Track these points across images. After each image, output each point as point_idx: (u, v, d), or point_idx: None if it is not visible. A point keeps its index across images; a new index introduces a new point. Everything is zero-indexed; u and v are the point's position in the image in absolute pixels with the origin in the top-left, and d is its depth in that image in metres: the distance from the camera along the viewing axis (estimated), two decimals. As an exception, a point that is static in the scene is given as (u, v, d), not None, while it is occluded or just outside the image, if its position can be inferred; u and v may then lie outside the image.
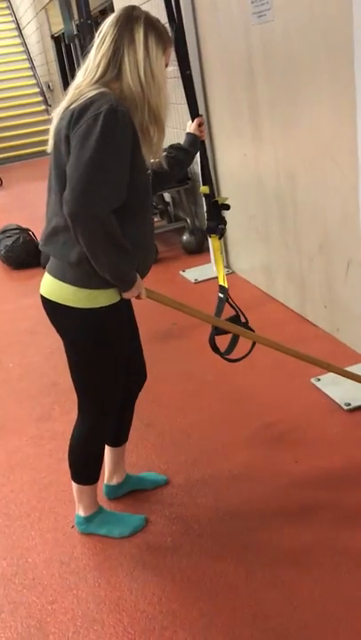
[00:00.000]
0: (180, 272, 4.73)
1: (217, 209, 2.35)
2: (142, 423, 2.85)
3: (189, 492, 2.35)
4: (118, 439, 2.27)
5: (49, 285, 1.83)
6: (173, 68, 4.68)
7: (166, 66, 1.84)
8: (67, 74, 11.07)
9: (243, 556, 2.01)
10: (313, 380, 2.92)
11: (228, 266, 4.62)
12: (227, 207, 2.37)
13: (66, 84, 9.17)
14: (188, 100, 2.25)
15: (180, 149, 2.19)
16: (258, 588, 1.88)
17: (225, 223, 2.41)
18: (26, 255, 5.41)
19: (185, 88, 2.22)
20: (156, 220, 5.46)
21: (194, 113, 2.21)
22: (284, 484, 2.32)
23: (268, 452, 2.52)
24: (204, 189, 2.38)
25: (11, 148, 11.86)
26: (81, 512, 2.17)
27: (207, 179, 2.33)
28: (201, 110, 4.20)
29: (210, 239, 2.50)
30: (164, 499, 2.34)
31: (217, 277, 2.57)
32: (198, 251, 5.03)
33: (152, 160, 1.86)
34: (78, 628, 1.84)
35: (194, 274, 4.62)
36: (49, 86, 12.50)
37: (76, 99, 1.69)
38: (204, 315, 2.16)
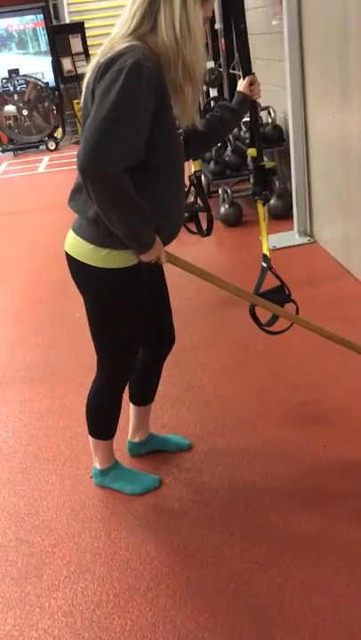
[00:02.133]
0: (260, 237, 4.59)
1: (263, 174, 2.23)
2: (183, 386, 2.85)
3: (209, 460, 2.33)
4: (142, 398, 2.28)
5: (70, 241, 1.84)
6: (276, 23, 4.49)
7: (206, 19, 1.74)
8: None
9: (244, 533, 1.97)
10: (366, 363, 2.76)
11: (310, 234, 4.42)
12: (273, 172, 2.25)
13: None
14: (240, 57, 2.11)
15: (227, 109, 2.08)
16: (250, 567, 1.85)
17: (271, 190, 2.29)
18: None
19: (237, 43, 2.08)
20: (248, 180, 5.30)
21: (246, 70, 2.08)
22: (307, 468, 2.23)
23: (300, 431, 2.43)
24: (251, 152, 2.26)
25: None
26: (97, 464, 2.22)
27: (255, 141, 2.20)
28: (296, 70, 4.02)
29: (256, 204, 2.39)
30: (183, 463, 2.33)
31: (266, 246, 2.46)
32: (285, 215, 4.84)
33: (190, 120, 1.79)
34: (70, 574, 1.91)
35: (273, 240, 4.44)
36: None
37: (107, 52, 1.64)
38: (231, 286, 2.07)
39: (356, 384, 2.65)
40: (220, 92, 6.11)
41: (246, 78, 2.11)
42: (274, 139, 4.78)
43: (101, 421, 2.12)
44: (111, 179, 1.56)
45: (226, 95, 6.12)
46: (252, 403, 2.66)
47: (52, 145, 10.01)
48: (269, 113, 5.02)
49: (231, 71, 6.37)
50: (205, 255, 4.44)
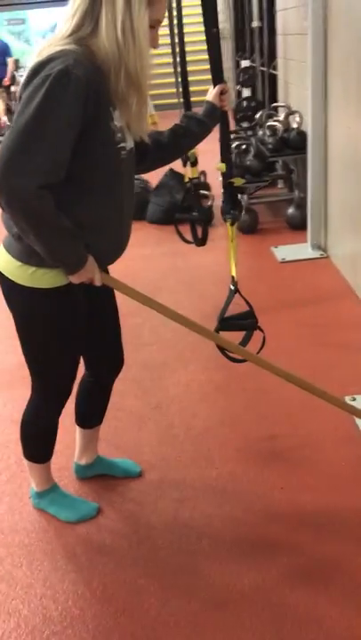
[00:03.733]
0: (272, 247, 4.38)
1: (231, 191, 2.05)
2: (151, 404, 2.70)
3: (156, 492, 2.17)
4: (87, 421, 2.15)
5: (1, 257, 1.70)
6: (305, 23, 4.25)
7: (157, 23, 1.57)
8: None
9: (170, 581, 1.81)
10: (347, 399, 2.55)
11: (324, 249, 4.18)
12: (241, 190, 2.06)
13: (238, 34, 8.78)
14: (210, 63, 1.93)
15: (193, 119, 1.91)
16: (166, 621, 1.68)
17: (240, 209, 2.10)
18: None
19: (208, 48, 1.90)
20: (268, 186, 5.07)
21: (217, 78, 1.90)
22: (256, 512, 2.05)
23: (260, 469, 2.24)
24: (220, 167, 2.07)
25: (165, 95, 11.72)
26: (34, 486, 2.10)
27: (225, 155, 2.01)
28: (319, 74, 3.78)
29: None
30: (128, 492, 2.18)
31: (233, 268, 2.27)
32: (302, 226, 4.61)
33: (137, 133, 1.64)
34: (-20, 604, 1.80)
35: (284, 252, 4.25)
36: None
37: (39, 55, 1.50)
38: (183, 318, 1.87)
39: (331, 420, 2.45)
40: (254, 92, 5.88)
41: (217, 87, 1.93)
42: (297, 145, 4.54)
43: (36, 444, 2.00)
44: (26, 196, 1.42)
45: (259, 96, 5.89)
46: (218, 431, 2.49)
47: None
48: (296, 118, 4.78)
49: (272, 71, 6.14)
50: (212, 262, 4.26)
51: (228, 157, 2.02)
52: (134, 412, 2.66)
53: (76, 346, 1.81)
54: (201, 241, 3.12)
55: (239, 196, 2.06)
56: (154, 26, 1.56)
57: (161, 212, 5.28)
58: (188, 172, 3.00)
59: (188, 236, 3.27)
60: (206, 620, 1.68)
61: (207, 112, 1.92)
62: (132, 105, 1.55)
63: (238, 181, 2.03)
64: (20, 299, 1.68)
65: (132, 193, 1.75)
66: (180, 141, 1.90)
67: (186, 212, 3.25)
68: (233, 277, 2.23)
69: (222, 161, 2.04)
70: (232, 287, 2.23)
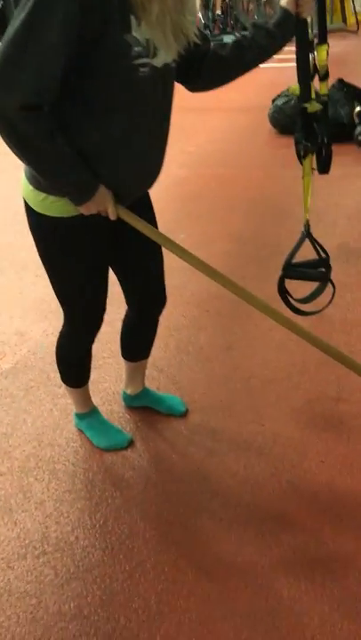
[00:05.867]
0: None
1: (305, 118, 1.70)
2: (224, 344, 2.57)
3: (191, 436, 2.09)
4: (130, 355, 2.10)
5: (22, 179, 1.64)
6: None
7: None
8: None
9: (165, 534, 1.76)
10: None
11: None
12: (317, 118, 1.71)
13: None
14: None
15: (261, 30, 1.59)
16: (146, 571, 1.66)
17: (316, 140, 1.75)
18: (290, 120, 4.93)
19: None
20: None
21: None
22: (283, 480, 1.89)
23: (308, 434, 2.05)
24: (293, 89, 1.72)
25: None
26: (74, 407, 2.14)
27: (302, 74, 1.65)
28: None
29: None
30: (164, 430, 2.13)
31: (306, 208, 1.94)
32: None
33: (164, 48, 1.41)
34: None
35: None
36: None
37: None
38: (205, 266, 1.65)
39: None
40: None
41: (292, -12, 1.58)
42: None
43: (69, 370, 2.00)
44: (8, 113, 1.31)
45: None
46: (282, 384, 2.30)
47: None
48: None
49: None
50: (352, 191, 3.83)
51: (305, 76, 1.68)
52: (205, 348, 2.55)
53: (98, 277, 1.72)
54: (321, 167, 2.73)
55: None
56: None
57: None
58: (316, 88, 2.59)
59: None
60: (193, 588, 1.61)
61: (279, 21, 1.59)
62: (152, 12, 1.33)
63: (313, 107, 1.69)
64: (37, 225, 1.62)
65: (165, 116, 1.55)
66: (244, 55, 1.61)
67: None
68: (306, 219, 1.93)
69: (298, 80, 1.70)
70: (303, 230, 1.94)
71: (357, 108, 4.54)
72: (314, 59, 1.77)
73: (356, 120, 4.49)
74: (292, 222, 3.61)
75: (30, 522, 1.85)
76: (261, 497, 1.85)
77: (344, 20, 9.94)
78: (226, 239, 3.48)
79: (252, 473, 1.93)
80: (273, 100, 5.19)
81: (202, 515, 1.81)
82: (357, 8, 9.80)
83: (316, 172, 1.92)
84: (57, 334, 1.94)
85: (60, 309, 1.83)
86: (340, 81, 4.86)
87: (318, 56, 1.79)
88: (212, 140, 5.26)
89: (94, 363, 2.07)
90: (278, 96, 5.18)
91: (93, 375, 2.10)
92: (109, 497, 1.90)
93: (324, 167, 1.98)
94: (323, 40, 1.80)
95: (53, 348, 1.93)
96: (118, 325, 2.05)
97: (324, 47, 1.80)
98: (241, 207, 3.93)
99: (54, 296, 1.78)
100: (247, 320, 2.68)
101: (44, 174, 1.43)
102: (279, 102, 5.06)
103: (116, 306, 1.95)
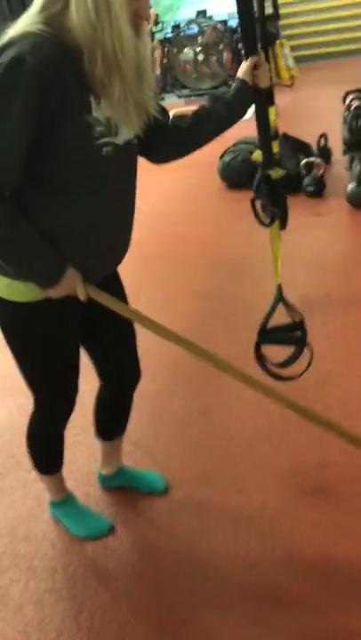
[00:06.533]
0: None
1: (270, 185, 1.70)
2: (199, 408, 2.49)
3: (176, 515, 1.98)
4: (107, 434, 1.99)
5: None
6: None
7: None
8: None
9: (158, 628, 1.64)
10: None
11: None
12: (280, 185, 1.71)
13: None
14: (241, 30, 1.58)
15: (219, 100, 1.59)
16: None
17: (284, 205, 1.75)
18: (239, 175, 5.02)
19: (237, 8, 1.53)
20: None
21: (249, 49, 1.55)
22: (278, 555, 1.79)
23: (297, 502, 1.97)
24: (256, 155, 1.73)
25: (309, 45, 10.82)
26: (48, 495, 2.01)
27: (264, 141, 1.66)
28: None
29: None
30: (146, 511, 2.02)
31: (278, 272, 1.93)
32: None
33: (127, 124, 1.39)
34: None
35: None
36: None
37: (5, 36, 1.30)
38: (175, 336, 1.59)
39: None
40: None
41: (248, 60, 1.59)
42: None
43: (42, 457, 1.88)
44: None
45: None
46: (261, 449, 2.22)
47: (224, 93, 9.58)
48: None
49: None
50: (316, 242, 3.88)
51: (267, 143, 1.67)
52: (179, 414, 2.47)
53: (69, 360, 1.64)
54: (281, 224, 2.75)
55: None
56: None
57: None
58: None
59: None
60: None
61: (237, 91, 1.60)
62: (113, 92, 1.31)
63: (276, 173, 1.69)
64: (1, 311, 1.53)
65: (131, 192, 1.52)
66: (204, 126, 1.61)
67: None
68: (278, 284, 1.91)
69: (260, 147, 1.70)
70: (276, 294, 1.91)
71: (303, 160, 4.66)
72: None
73: (303, 171, 4.59)
74: (251, 276, 3.64)
75: (10, 631, 1.69)
76: (256, 575, 1.74)
77: (278, 75, 10.39)
78: (189, 298, 3.44)
79: (243, 548, 1.83)
80: (221, 157, 5.29)
81: (197, 604, 1.69)
82: (290, 64, 10.26)
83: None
84: (22, 413, 1.83)
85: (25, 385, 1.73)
86: (284, 134, 4.99)
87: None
88: (166, 198, 5.29)
89: (65, 442, 1.96)
90: (225, 152, 5.28)
91: (65, 456, 1.98)
92: (94, 593, 1.77)
93: (283, 224, 1.99)
94: (270, 102, 1.82)
95: (20, 428, 1.82)
96: (87, 398, 1.94)
97: (273, 108, 1.82)
98: (200, 264, 3.92)
99: (17, 371, 1.68)
100: (218, 381, 2.59)
101: (7, 263, 1.37)
102: (227, 159, 5.14)
103: (82, 377, 1.85)
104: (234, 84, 1.63)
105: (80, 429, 2.37)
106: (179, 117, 1.63)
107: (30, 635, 1.67)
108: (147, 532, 1.95)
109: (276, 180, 1.72)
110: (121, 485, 2.10)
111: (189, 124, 1.60)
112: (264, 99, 1.64)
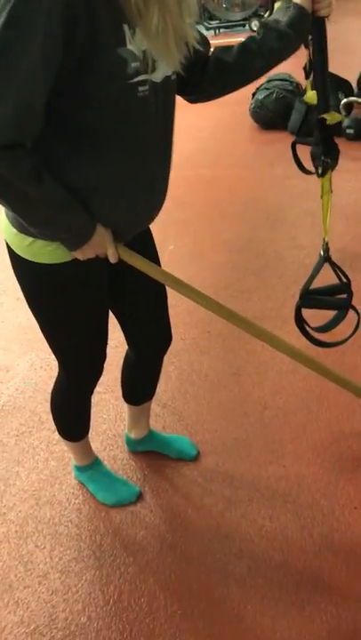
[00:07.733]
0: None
1: (324, 131, 1.50)
2: (230, 370, 2.36)
3: (207, 484, 1.88)
4: (133, 398, 1.88)
5: (2, 220, 1.39)
6: None
7: None
8: None
9: (189, 606, 1.55)
10: None
11: None
12: (337, 130, 1.50)
13: None
14: None
15: (271, 30, 1.37)
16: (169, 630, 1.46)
17: (337, 154, 1.55)
18: (273, 115, 4.72)
19: None
20: None
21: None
22: (316, 533, 1.69)
23: (337, 476, 1.85)
24: (310, 97, 1.52)
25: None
26: (74, 459, 1.92)
27: (319, 81, 1.44)
28: None
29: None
30: (176, 478, 1.92)
31: (325, 229, 1.75)
32: None
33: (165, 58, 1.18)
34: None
35: None
36: None
37: None
38: (216, 304, 1.46)
39: None
40: None
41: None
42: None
43: (66, 424, 1.77)
44: None
45: None
46: (300, 416, 2.10)
47: (255, 25, 9.00)
48: None
49: None
50: (356, 190, 3.64)
51: (323, 83, 1.46)
52: (210, 376, 2.34)
53: (97, 325, 1.50)
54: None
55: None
56: None
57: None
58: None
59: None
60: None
61: (292, 21, 1.37)
62: (151, 20, 1.10)
63: (333, 118, 1.49)
64: (24, 273, 1.38)
65: (168, 138, 1.33)
66: (253, 61, 1.39)
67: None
68: (325, 241, 1.73)
69: (313, 87, 1.48)
70: (321, 253, 1.74)
71: (343, 100, 4.34)
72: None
73: (343, 112, 4.29)
74: (286, 227, 3.43)
75: (34, 601, 1.63)
76: (293, 556, 1.65)
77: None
78: (218, 249, 3.26)
79: (279, 526, 1.73)
80: (253, 94, 4.97)
81: (229, 582, 1.60)
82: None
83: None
84: (46, 367, 1.71)
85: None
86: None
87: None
88: (192, 138, 5.02)
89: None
90: (258, 89, 4.96)
91: (91, 417, 1.87)
92: (122, 564, 1.69)
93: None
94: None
95: (43, 385, 1.71)
96: (113, 354, 1.80)
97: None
98: (230, 212, 3.71)
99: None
100: (252, 340, 2.46)
101: (32, 222, 1.20)
102: (260, 96, 4.83)
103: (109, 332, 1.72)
104: (290, 12, 1.40)
105: (106, 387, 2.27)
106: (223, 49, 1.41)
107: (56, 605, 1.60)
108: (177, 502, 1.85)
109: (331, 127, 1.51)
110: (150, 450, 2.01)
111: (235, 57, 1.39)
112: (324, 29, 1.42)
